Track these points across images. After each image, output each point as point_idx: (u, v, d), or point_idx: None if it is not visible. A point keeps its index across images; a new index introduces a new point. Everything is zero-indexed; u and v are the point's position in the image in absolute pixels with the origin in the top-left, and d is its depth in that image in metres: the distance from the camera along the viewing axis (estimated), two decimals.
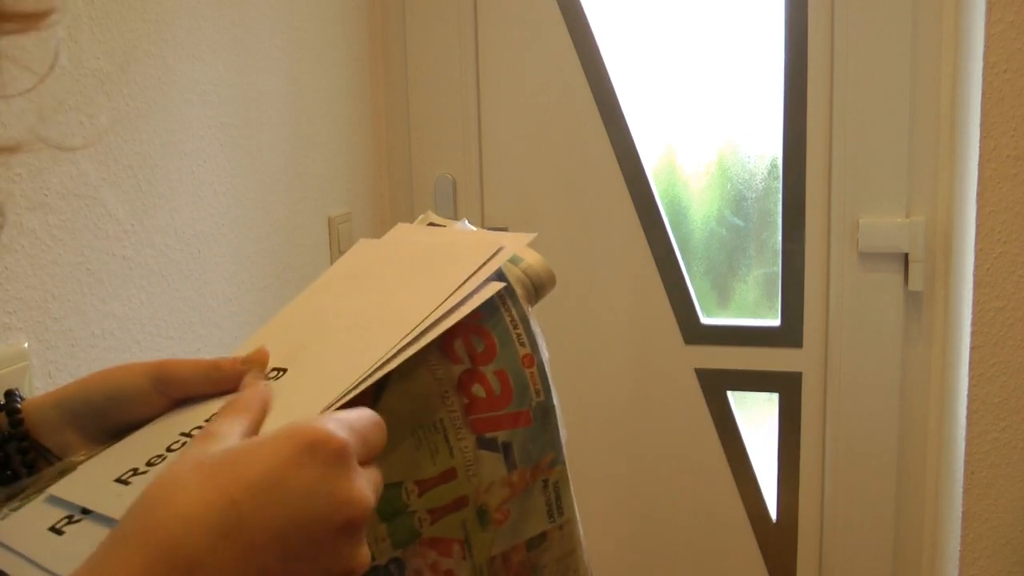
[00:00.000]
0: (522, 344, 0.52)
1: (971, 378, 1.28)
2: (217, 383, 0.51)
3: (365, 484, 0.39)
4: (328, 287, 0.58)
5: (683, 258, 1.65)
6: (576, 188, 1.67)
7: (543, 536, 0.54)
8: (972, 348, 1.28)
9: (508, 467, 0.51)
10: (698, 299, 1.65)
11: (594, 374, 1.69)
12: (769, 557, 1.67)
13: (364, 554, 0.40)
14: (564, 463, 0.55)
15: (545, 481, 0.54)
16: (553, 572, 0.55)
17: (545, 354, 0.54)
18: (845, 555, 1.61)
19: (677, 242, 1.65)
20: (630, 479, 1.71)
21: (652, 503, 1.71)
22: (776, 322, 1.61)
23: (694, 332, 1.65)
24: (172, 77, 1.10)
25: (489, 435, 0.51)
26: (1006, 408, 1.27)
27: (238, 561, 0.36)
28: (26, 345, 0.87)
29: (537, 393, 0.53)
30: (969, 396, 1.29)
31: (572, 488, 0.56)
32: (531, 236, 0.55)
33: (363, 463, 0.40)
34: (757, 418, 1.67)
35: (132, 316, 1.03)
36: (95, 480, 0.47)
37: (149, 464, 0.46)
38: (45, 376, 0.89)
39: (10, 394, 0.54)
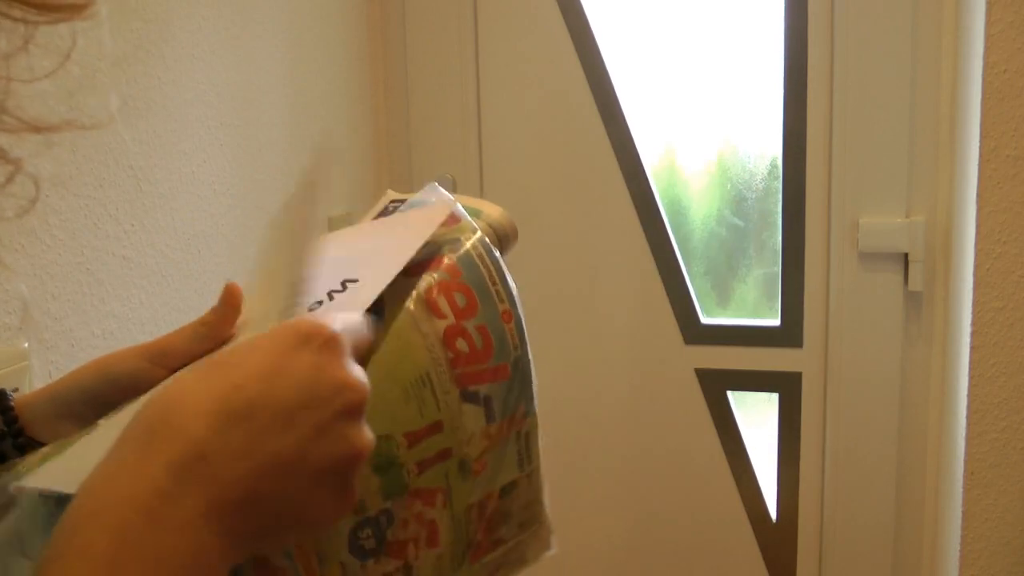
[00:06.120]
0: (500, 300, 0.54)
1: (971, 378, 1.28)
2: (212, 338, 0.53)
3: (358, 371, 0.41)
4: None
5: (683, 258, 1.65)
6: (576, 188, 1.67)
7: (513, 484, 0.56)
8: (972, 348, 1.28)
9: (488, 419, 0.53)
10: (698, 299, 1.65)
11: (594, 374, 1.69)
12: (769, 557, 1.67)
13: (367, 437, 0.41)
14: (535, 413, 0.57)
15: (518, 432, 0.55)
16: (519, 519, 0.57)
17: (520, 307, 0.56)
18: (845, 555, 1.61)
19: (677, 242, 1.65)
20: (630, 479, 1.71)
21: (652, 503, 1.71)
22: (776, 322, 1.61)
23: (694, 332, 1.65)
24: (172, 77, 1.10)
25: (472, 388, 0.52)
26: (1006, 408, 1.27)
27: (250, 443, 0.36)
28: (26, 345, 0.87)
29: (515, 347, 0.54)
30: (969, 396, 1.28)
31: (540, 437, 0.58)
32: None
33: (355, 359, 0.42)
34: (757, 418, 1.67)
35: (132, 316, 1.03)
36: None
37: None
38: (45, 376, 0.89)
39: (1, 393, 0.54)
